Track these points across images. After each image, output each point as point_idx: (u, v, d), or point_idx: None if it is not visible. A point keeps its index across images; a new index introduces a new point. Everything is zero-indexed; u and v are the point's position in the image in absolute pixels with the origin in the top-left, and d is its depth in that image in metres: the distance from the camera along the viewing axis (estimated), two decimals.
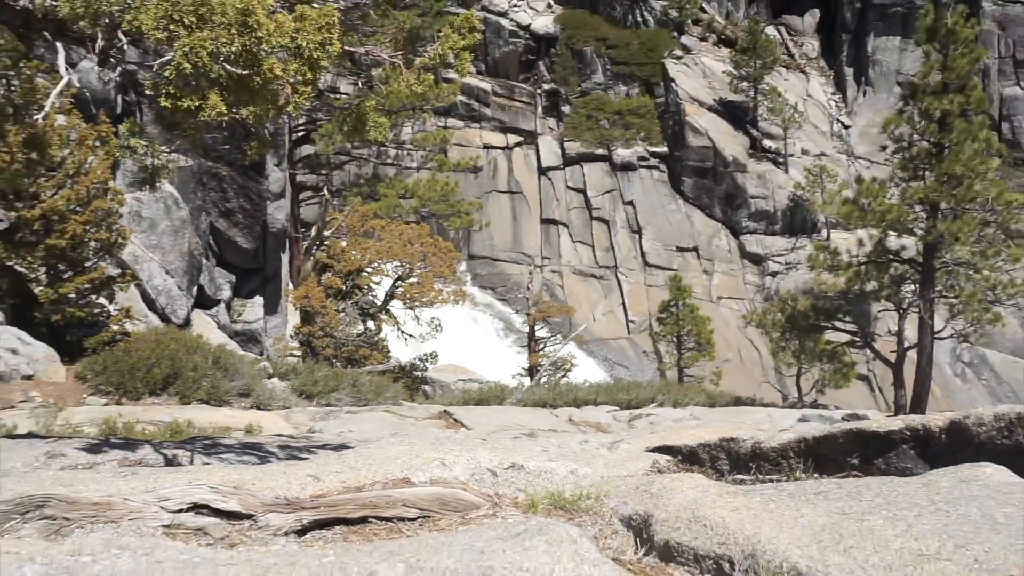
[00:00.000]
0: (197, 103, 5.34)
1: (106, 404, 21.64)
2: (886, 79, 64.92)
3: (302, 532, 5.17)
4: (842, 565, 3.79)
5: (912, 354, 32.97)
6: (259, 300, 37.44)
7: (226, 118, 5.68)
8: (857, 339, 34.91)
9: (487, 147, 61.68)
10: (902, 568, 3.65)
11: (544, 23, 65.61)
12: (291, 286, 39.29)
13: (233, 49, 5.31)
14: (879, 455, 6.10)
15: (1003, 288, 30.80)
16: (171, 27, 5.26)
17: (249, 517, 5.13)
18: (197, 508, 5.11)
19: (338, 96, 43.57)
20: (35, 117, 6.60)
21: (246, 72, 5.41)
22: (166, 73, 5.43)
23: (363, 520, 5.24)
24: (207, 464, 6.69)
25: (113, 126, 26.39)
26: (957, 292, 31.30)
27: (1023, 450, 5.53)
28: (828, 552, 3.92)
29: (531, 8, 66.59)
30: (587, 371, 44.50)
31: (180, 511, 5.06)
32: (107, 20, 5.68)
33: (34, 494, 4.98)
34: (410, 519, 5.25)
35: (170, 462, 7.01)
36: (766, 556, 4.05)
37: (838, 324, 34.67)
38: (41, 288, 24.61)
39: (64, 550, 4.52)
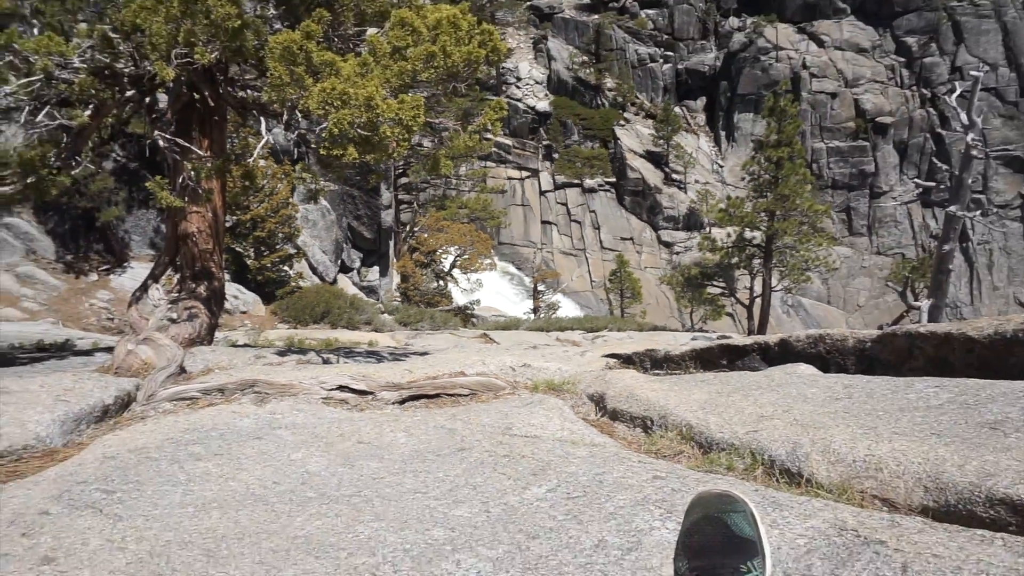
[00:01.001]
0: (341, 152, 5.32)
1: (288, 328, 21.83)
2: (745, 138, 63.92)
3: (402, 402, 5.21)
4: (716, 422, 3.80)
5: (758, 300, 32.83)
6: (376, 268, 37.55)
7: (358, 161, 5.66)
8: (726, 291, 34.78)
9: (509, 178, 61.27)
10: (753, 423, 3.66)
11: (543, 105, 64.86)
12: (395, 260, 39.35)
13: (362, 120, 5.27)
14: (739, 359, 6.09)
15: (812, 261, 30.63)
16: (327, 107, 5.23)
17: (371, 393, 5.19)
18: (342, 388, 5.17)
19: (422, 147, 43.25)
20: (247, 160, 6.60)
21: (369, 134, 5.38)
22: (323, 134, 5.41)
23: (437, 395, 5.28)
24: (346, 363, 6.75)
25: (292, 166, 26.41)
26: (785, 263, 31.11)
27: (822, 356, 5.51)
28: (708, 415, 3.93)
29: (535, 96, 65.81)
30: (567, 310, 44.51)
31: (332, 389, 5.12)
32: (290, 103, 5.65)
33: (249, 378, 5.05)
34: (464, 395, 5.30)
35: (326, 361, 7.07)
36: (672, 417, 4.07)
37: (714, 283, 34.53)
38: (251, 261, 24.81)
39: (266, 410, 4.59)
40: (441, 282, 37.46)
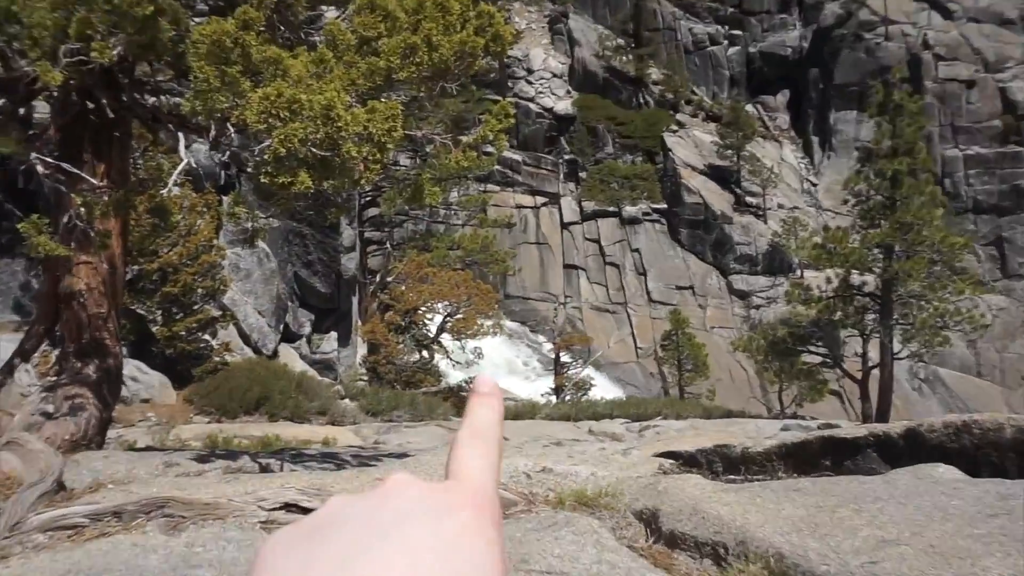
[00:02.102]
0: (290, 179, 5.47)
1: (209, 422, 21.80)
2: (846, 146, 64.67)
3: None
4: (818, 549, 3.79)
5: (875, 372, 32.62)
6: (334, 334, 37.65)
7: (312, 190, 5.81)
8: (828, 360, 34.60)
9: (519, 207, 61.95)
10: (868, 552, 3.64)
11: (564, 106, 66.06)
12: (360, 323, 39.48)
13: (318, 136, 5.44)
14: (848, 458, 6.07)
15: (950, 316, 30.49)
16: (270, 120, 5.41)
17: None
18: (288, 507, 5.17)
19: (398, 167, 43.98)
20: (161, 192, 6.78)
21: (328, 154, 5.54)
22: (266, 156, 5.57)
23: None
24: (294, 471, 6.76)
25: (217, 195, 26.85)
26: (911, 319, 31.01)
27: (968, 452, 5.49)
28: (806, 539, 3.92)
29: (553, 94, 67.10)
30: (603, 390, 44.28)
31: (274, 509, 5.12)
32: (219, 115, 5.84)
33: (156, 496, 5.07)
34: None
35: (264, 469, 7.08)
36: (754, 543, 4.06)
37: (811, 348, 34.41)
38: (157, 327, 24.96)
39: (182, 541, 4.60)
40: (425, 353, 37.43)
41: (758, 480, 5.95)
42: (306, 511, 5.23)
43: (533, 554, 4.18)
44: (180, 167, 6.55)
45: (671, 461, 6.99)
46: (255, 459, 7.53)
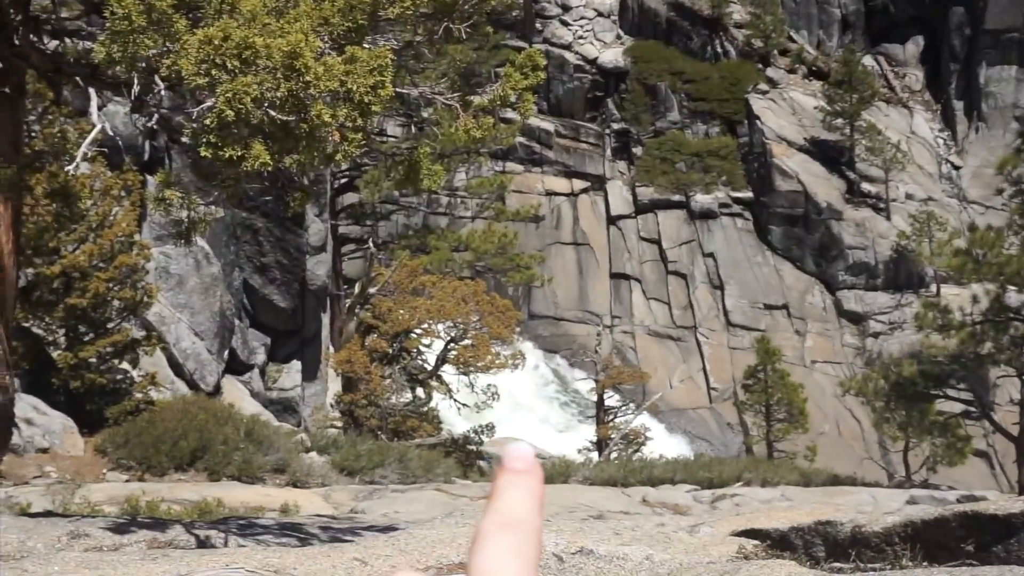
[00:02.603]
0: (240, 153, 5.52)
1: (128, 480, 21.95)
2: (1002, 114, 64.30)
3: None
4: None
5: None
6: (296, 365, 37.80)
7: (269, 169, 5.85)
8: (973, 409, 34.36)
9: (550, 194, 61.96)
10: None
11: (613, 56, 66.11)
12: (332, 349, 39.62)
13: (279, 94, 5.49)
14: (998, 542, 6.04)
15: None
16: (213, 72, 5.46)
17: None
18: None
19: (385, 140, 44.17)
20: (66, 168, 6.86)
21: (292, 118, 5.59)
22: (207, 121, 5.62)
23: None
24: (243, 546, 6.81)
25: (140, 175, 27.06)
26: None
27: None
28: None
29: (598, 40, 67.18)
30: (663, 445, 44.14)
31: None
32: (144, 64, 5.91)
33: None
34: None
35: (203, 544, 7.13)
36: None
37: (951, 392, 34.18)
38: (60, 352, 25.11)
39: None
40: (420, 392, 37.46)
41: (874, 570, 5.96)
42: None
43: None
44: (91, 136, 6.63)
45: (755, 542, 6.98)
46: (190, 530, 7.58)
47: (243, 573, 5.25)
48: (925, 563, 6.10)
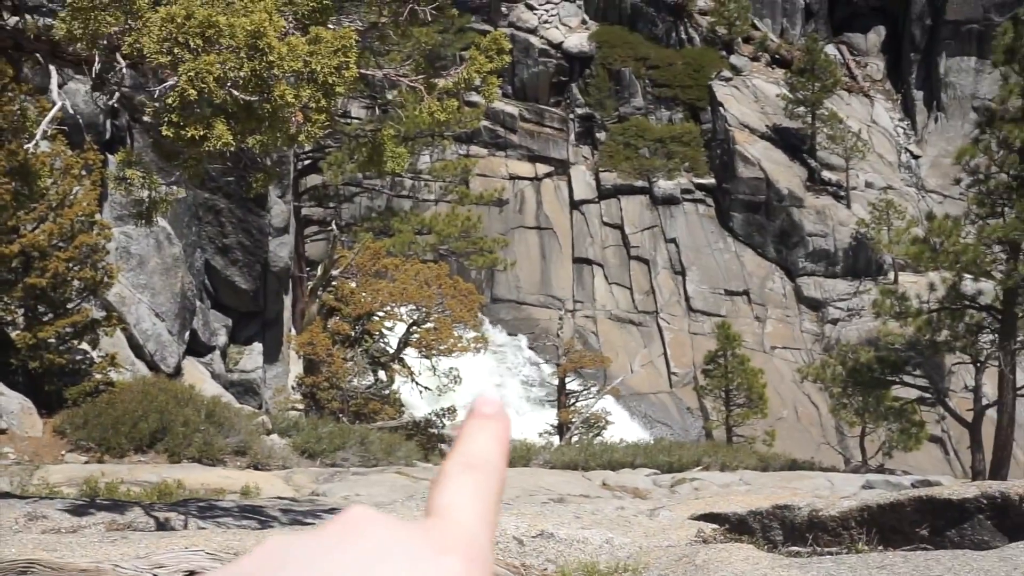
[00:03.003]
0: (202, 132, 5.47)
1: (87, 462, 21.80)
2: (960, 104, 64.84)
3: None
4: None
5: (992, 413, 32.70)
6: (258, 347, 37.61)
7: (232, 149, 5.80)
8: (928, 395, 34.67)
9: (513, 178, 61.95)
10: None
11: (578, 41, 66.09)
12: (294, 332, 39.47)
13: (242, 74, 5.43)
14: (952, 526, 6.09)
15: None
16: (175, 50, 5.40)
17: None
18: None
19: (349, 122, 43.99)
20: (26, 146, 6.78)
21: (255, 98, 5.54)
22: (169, 100, 5.56)
23: None
24: (203, 528, 6.77)
25: (102, 154, 26.78)
26: None
27: None
28: None
29: (563, 25, 67.13)
30: (624, 429, 44.36)
31: None
32: (105, 42, 5.84)
33: (16, 559, 5.06)
34: None
35: (162, 526, 7.09)
36: None
37: (907, 378, 34.47)
38: (18, 332, 24.86)
39: None
40: (382, 375, 37.44)
41: (830, 554, 6.00)
42: None
43: None
44: (51, 113, 6.55)
45: (713, 526, 7.01)
46: (149, 512, 7.54)
47: (203, 556, 5.22)
48: (880, 547, 6.15)
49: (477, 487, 0.62)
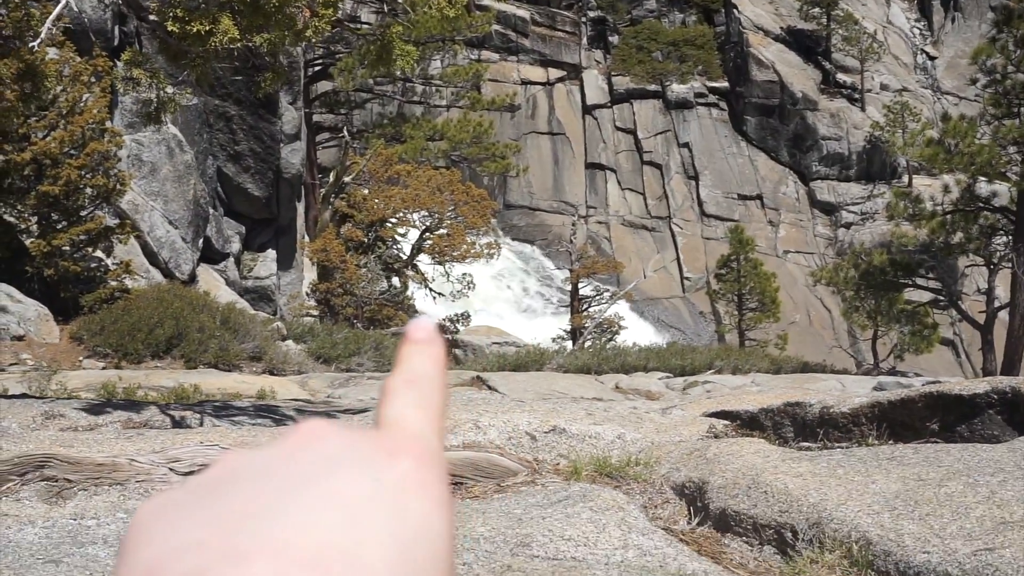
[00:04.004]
0: (207, 28, 5.39)
1: (104, 367, 21.98)
2: (978, 3, 63.85)
3: None
4: (916, 533, 3.84)
5: (1004, 314, 32.74)
6: (272, 254, 37.68)
7: (238, 46, 5.72)
8: (941, 298, 34.68)
9: (525, 83, 61.42)
10: (983, 536, 3.70)
11: None
12: (307, 238, 39.52)
13: None
14: (962, 421, 6.11)
15: None
16: None
17: None
18: None
19: (359, 27, 43.50)
20: (30, 45, 6.70)
21: None
22: None
23: None
24: (218, 426, 6.84)
25: (110, 60, 26.57)
26: None
27: None
28: (901, 520, 3.98)
29: None
30: (637, 334, 44.50)
31: (191, 473, 5.18)
32: None
33: (34, 453, 5.13)
34: None
35: (178, 424, 7.17)
36: (832, 524, 4.12)
37: (920, 281, 34.45)
38: (33, 240, 24.94)
39: (67, 513, 4.67)
40: (396, 281, 37.55)
41: (840, 449, 6.03)
42: None
43: (536, 536, 4.25)
44: (57, 9, 6.47)
45: (725, 423, 7.06)
46: (165, 411, 7.62)
47: (218, 450, 5.26)
48: (891, 442, 6.17)
49: (421, 399, 0.63)
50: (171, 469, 5.23)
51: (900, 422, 6.25)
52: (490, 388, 20.50)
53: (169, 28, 5.50)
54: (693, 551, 4.38)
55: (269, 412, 8.42)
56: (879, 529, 3.94)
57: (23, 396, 9.39)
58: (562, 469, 5.65)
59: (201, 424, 7.15)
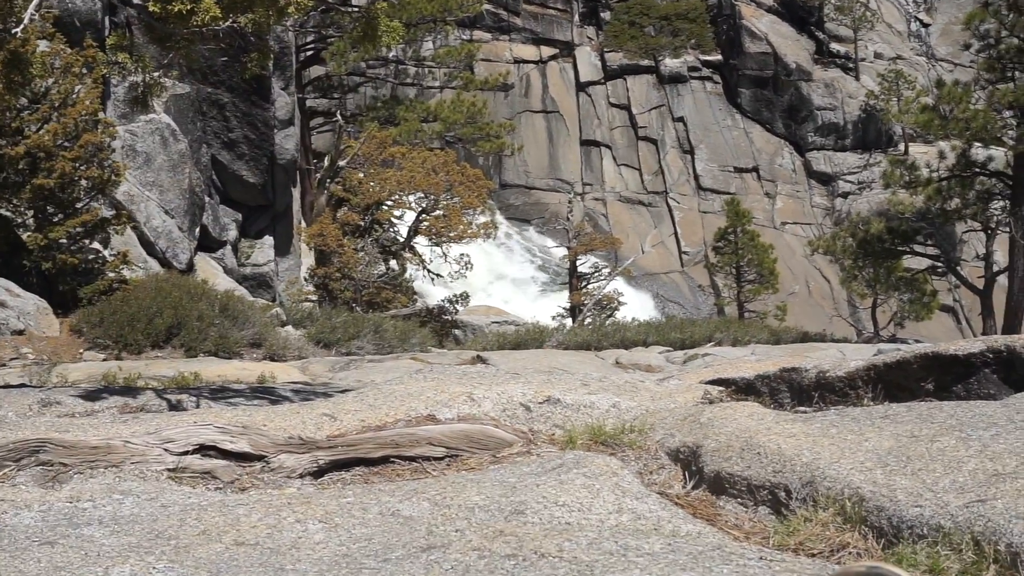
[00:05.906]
0: (189, 7, 5.38)
1: (105, 359, 21.98)
2: None
3: (319, 474, 5.29)
4: (909, 488, 3.85)
5: (1003, 279, 32.74)
6: (269, 240, 37.67)
7: (222, 25, 5.72)
8: (939, 264, 34.67)
9: (518, 61, 61.29)
10: (976, 488, 3.71)
11: None
12: (304, 224, 39.52)
13: None
14: (958, 381, 6.11)
15: None
16: None
17: (260, 458, 5.26)
18: (204, 450, 5.24)
19: (349, 10, 43.37)
20: (14, 31, 6.68)
21: None
22: None
23: (385, 460, 5.35)
24: (212, 407, 6.85)
25: (101, 51, 26.49)
26: None
27: None
28: (894, 476, 3.99)
29: None
30: (636, 309, 44.56)
31: (185, 453, 5.20)
32: None
33: (29, 438, 5.14)
34: (436, 458, 5.36)
35: (174, 407, 7.18)
36: (826, 483, 4.13)
37: (917, 248, 34.43)
38: (29, 234, 24.91)
39: (62, 496, 4.68)
40: (393, 263, 37.54)
41: (835, 411, 6.04)
42: (227, 455, 5.30)
43: (530, 503, 4.26)
44: None
45: (720, 389, 7.07)
46: (162, 396, 7.64)
47: (212, 430, 5.28)
48: (886, 403, 6.19)
49: None
50: (166, 449, 5.25)
51: (896, 384, 6.26)
52: (491, 367, 20.56)
53: (151, 8, 5.49)
54: (688, 514, 4.40)
55: (266, 393, 8.45)
56: (872, 485, 3.96)
57: (21, 386, 9.42)
58: (557, 439, 5.66)
59: (197, 406, 7.18)
